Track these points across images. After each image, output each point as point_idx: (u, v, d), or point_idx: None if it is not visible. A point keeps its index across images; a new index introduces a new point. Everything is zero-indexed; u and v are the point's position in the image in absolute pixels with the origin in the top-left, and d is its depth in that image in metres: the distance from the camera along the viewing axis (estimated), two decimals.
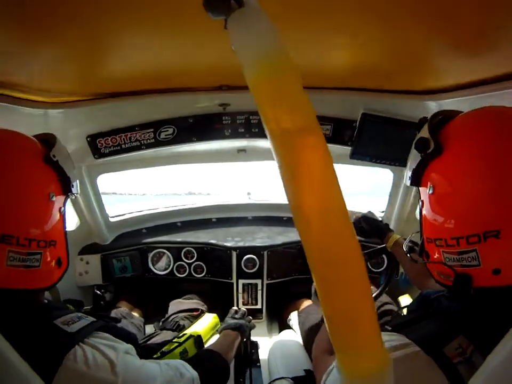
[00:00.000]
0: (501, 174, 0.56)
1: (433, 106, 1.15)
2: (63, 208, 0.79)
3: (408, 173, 0.74)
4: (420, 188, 0.71)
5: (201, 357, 0.92)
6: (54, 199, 0.75)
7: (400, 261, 1.19)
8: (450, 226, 0.62)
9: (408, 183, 0.73)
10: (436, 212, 0.66)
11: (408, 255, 0.83)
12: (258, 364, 1.32)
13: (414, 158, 0.70)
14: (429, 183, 0.66)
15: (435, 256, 0.68)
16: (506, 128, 0.59)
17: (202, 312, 1.45)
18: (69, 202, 0.84)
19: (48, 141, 0.80)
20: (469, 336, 0.56)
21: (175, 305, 1.53)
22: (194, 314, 1.42)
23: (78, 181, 0.86)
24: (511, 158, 0.56)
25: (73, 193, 0.82)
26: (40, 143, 0.78)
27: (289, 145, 0.37)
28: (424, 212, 0.70)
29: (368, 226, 1.28)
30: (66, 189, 0.79)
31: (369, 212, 1.36)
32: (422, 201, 0.70)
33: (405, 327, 0.64)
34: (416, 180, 0.70)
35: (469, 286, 0.60)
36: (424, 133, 0.68)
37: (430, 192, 0.66)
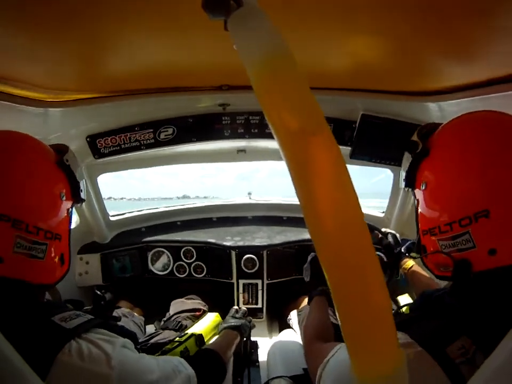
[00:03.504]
0: (482, 161, 0.62)
1: (432, 107, 1.15)
2: (70, 210, 0.82)
3: (402, 176, 0.80)
4: (415, 190, 0.76)
5: (199, 355, 0.93)
6: (64, 199, 0.78)
7: (413, 285, 1.24)
8: (443, 214, 0.67)
9: (403, 185, 0.78)
10: (430, 205, 0.71)
11: (407, 254, 0.86)
12: (257, 364, 1.32)
13: (406, 163, 0.77)
14: (421, 181, 0.72)
15: (432, 248, 0.72)
16: (484, 126, 0.66)
17: (205, 312, 1.45)
18: None
19: (60, 148, 0.84)
20: (472, 337, 0.56)
21: (177, 305, 1.52)
22: (197, 315, 1.42)
23: (84, 182, 0.89)
24: (489, 148, 0.62)
25: (81, 200, 0.85)
26: (53, 150, 0.82)
27: (299, 146, 0.36)
28: (419, 209, 0.75)
29: (392, 242, 1.30)
30: (75, 194, 0.82)
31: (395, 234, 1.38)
32: (417, 200, 0.75)
33: (407, 326, 0.64)
34: (410, 181, 0.76)
35: (468, 271, 0.62)
36: (414, 137, 0.76)
37: (423, 188, 0.71)
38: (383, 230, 1.34)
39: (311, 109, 0.38)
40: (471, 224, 0.61)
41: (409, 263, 1.26)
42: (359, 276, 0.36)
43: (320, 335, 0.90)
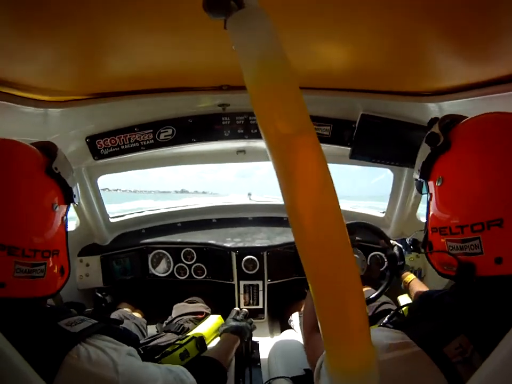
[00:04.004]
0: (504, 169, 0.61)
1: (432, 107, 1.15)
2: (65, 217, 0.80)
3: (417, 168, 0.78)
4: (428, 182, 0.75)
5: (200, 364, 0.93)
6: (57, 209, 0.75)
7: (413, 298, 1.25)
8: (456, 215, 0.66)
9: (418, 176, 0.77)
10: (444, 203, 0.70)
11: (411, 247, 0.86)
12: (258, 364, 1.32)
13: (423, 153, 0.75)
14: (438, 176, 0.71)
15: (439, 247, 0.71)
16: (509, 130, 0.64)
17: (207, 315, 1.44)
18: None
19: (48, 150, 0.79)
20: (470, 336, 0.56)
21: (180, 309, 1.52)
22: (199, 317, 1.42)
23: (78, 186, 0.87)
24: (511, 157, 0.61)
25: (75, 203, 0.83)
26: (40, 152, 0.77)
27: (284, 147, 0.37)
28: (431, 204, 0.74)
29: (397, 255, 1.29)
30: (68, 199, 0.80)
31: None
32: (431, 194, 0.74)
33: (406, 325, 0.65)
34: (426, 173, 0.74)
35: (471, 275, 0.63)
36: (435, 129, 0.73)
37: (439, 184, 0.70)
38: (391, 241, 1.34)
39: (300, 113, 0.38)
40: (483, 230, 0.61)
41: (409, 276, 1.29)
42: (335, 276, 0.38)
43: (317, 327, 0.91)
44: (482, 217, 0.61)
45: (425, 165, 0.74)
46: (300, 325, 1.46)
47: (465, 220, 0.64)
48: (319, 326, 0.39)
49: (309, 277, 0.38)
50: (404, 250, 1.29)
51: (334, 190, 0.37)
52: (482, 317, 0.59)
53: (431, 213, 0.75)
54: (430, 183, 0.74)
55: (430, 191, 0.74)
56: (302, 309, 1.55)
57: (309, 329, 0.93)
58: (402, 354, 0.56)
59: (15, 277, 0.64)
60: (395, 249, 1.29)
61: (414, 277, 1.29)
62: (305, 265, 0.39)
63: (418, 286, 1.24)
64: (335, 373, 0.39)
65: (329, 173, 0.37)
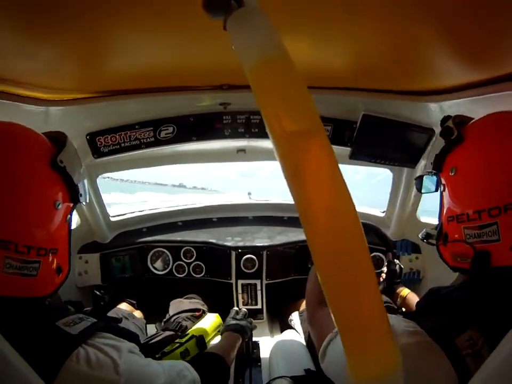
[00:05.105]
0: None
1: (433, 107, 1.15)
2: (69, 216, 0.75)
3: (428, 161, 0.81)
4: (440, 175, 0.77)
5: (203, 360, 0.93)
6: (60, 207, 0.70)
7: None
8: (473, 201, 0.68)
9: (430, 168, 0.80)
10: (459, 191, 0.72)
11: (424, 241, 0.87)
12: (259, 364, 1.32)
13: (436, 146, 0.79)
14: (451, 166, 0.73)
15: (455, 236, 0.72)
16: None
17: (204, 313, 1.44)
18: None
19: (58, 140, 0.74)
20: (481, 329, 0.57)
21: (176, 305, 1.52)
22: (197, 315, 1.41)
23: (85, 182, 0.81)
24: None
25: (81, 202, 0.77)
26: (50, 142, 0.73)
27: (293, 147, 0.37)
28: (445, 195, 0.76)
29: (398, 272, 1.33)
30: (73, 198, 0.74)
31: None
32: (444, 185, 0.76)
33: (415, 317, 0.65)
34: (438, 165, 0.77)
35: (487, 264, 0.64)
36: (449, 124, 0.76)
37: (452, 173, 0.72)
38: (395, 261, 1.36)
39: (308, 111, 0.38)
40: (500, 215, 0.62)
41: (404, 291, 1.31)
42: (353, 279, 0.36)
43: (324, 301, 0.90)
44: (499, 201, 0.62)
45: (438, 157, 0.76)
46: (301, 324, 1.47)
47: (482, 205, 0.65)
48: (338, 331, 0.38)
49: (323, 280, 0.37)
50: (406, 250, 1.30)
51: (347, 188, 0.36)
52: (494, 309, 0.59)
53: (445, 204, 0.77)
54: (443, 175, 0.76)
55: (443, 183, 0.77)
56: (302, 308, 1.55)
57: (314, 303, 0.91)
58: (414, 341, 0.56)
59: (4, 272, 0.60)
60: (397, 267, 1.33)
61: (409, 291, 1.32)
62: (319, 269, 0.37)
63: (416, 300, 1.24)
64: (360, 381, 0.37)
65: (340, 171, 0.36)
